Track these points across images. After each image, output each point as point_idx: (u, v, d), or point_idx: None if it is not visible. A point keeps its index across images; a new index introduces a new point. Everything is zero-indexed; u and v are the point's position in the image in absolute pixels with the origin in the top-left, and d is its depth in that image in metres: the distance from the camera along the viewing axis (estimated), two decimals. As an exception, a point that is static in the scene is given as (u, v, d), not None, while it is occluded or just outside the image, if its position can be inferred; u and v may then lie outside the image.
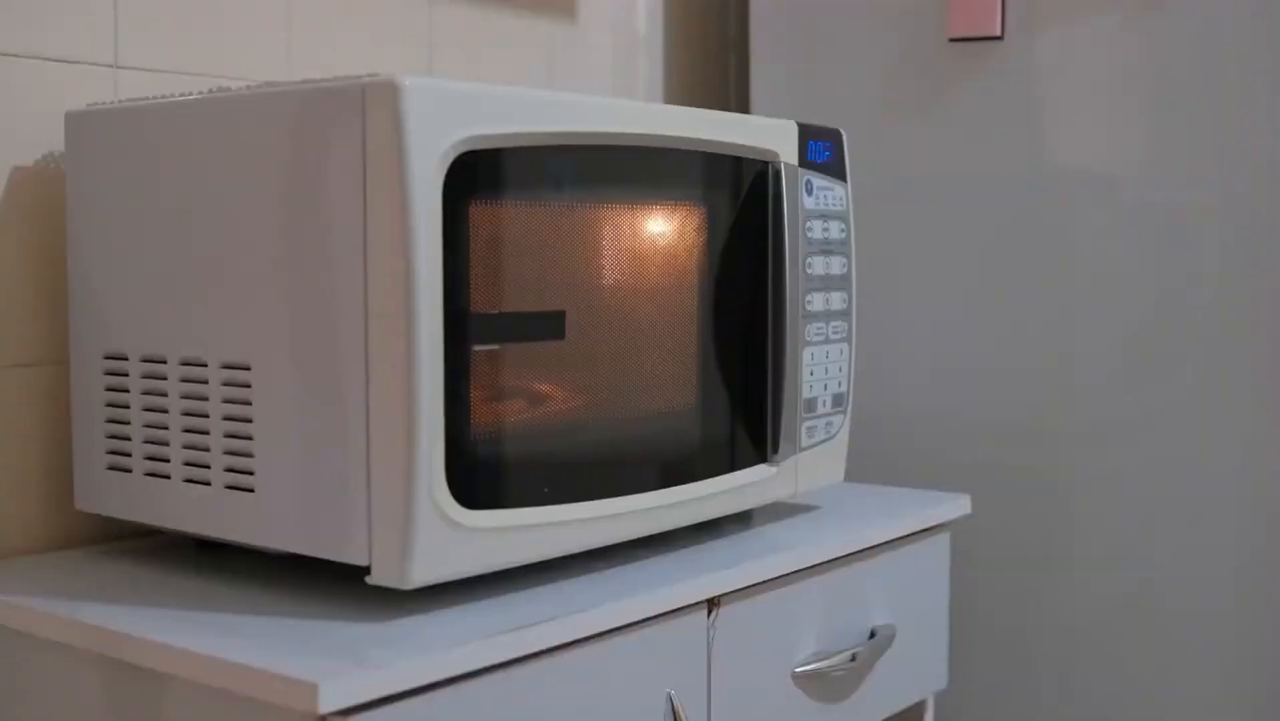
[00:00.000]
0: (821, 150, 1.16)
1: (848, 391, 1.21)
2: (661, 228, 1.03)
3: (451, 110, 0.86)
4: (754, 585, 1.05)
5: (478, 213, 0.88)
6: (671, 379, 1.05)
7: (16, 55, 1.08)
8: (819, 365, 1.16)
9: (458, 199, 0.86)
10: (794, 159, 1.13)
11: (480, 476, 0.90)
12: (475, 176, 0.88)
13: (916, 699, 1.29)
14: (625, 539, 1.01)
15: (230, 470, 0.94)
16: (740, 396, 1.11)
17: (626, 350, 1.01)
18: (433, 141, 0.85)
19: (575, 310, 0.97)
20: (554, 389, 0.96)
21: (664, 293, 1.04)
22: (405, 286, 0.84)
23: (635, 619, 0.94)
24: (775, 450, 1.13)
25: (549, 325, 0.95)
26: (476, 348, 0.88)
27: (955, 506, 1.30)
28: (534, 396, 0.94)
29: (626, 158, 1.00)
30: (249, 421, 0.93)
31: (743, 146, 1.09)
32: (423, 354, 0.84)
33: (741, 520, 1.17)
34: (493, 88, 0.91)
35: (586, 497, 0.97)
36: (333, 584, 0.93)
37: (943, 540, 1.30)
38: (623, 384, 1.01)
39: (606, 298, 0.99)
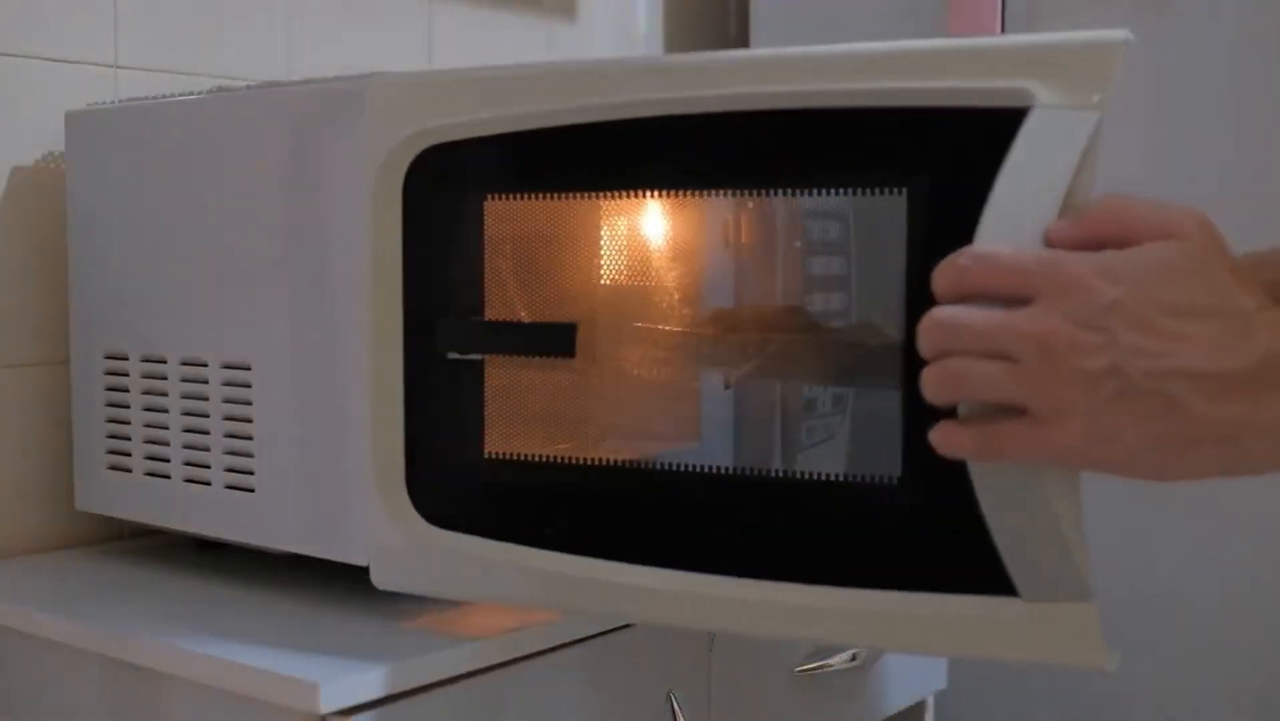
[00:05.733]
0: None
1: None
2: (751, 217, 0.81)
3: (455, 104, 0.81)
4: (754, 585, 1.05)
5: (480, 210, 0.85)
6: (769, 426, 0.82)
7: (16, 55, 1.08)
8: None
9: (443, 195, 0.82)
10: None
11: (463, 496, 0.83)
12: (463, 170, 0.82)
13: (916, 699, 1.28)
14: (621, 619, 0.90)
15: (230, 470, 0.94)
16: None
17: (656, 375, 0.83)
18: (411, 135, 0.80)
19: (595, 324, 0.83)
20: (564, 414, 0.85)
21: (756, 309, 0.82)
22: (384, 287, 0.82)
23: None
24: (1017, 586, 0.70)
25: (562, 339, 0.81)
26: (481, 356, 0.83)
27: (955, 506, 1.30)
28: (541, 419, 0.85)
29: (665, 131, 0.76)
30: (249, 421, 0.92)
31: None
32: (400, 359, 0.82)
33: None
34: (500, 69, 0.81)
35: (588, 554, 0.78)
36: (333, 584, 0.93)
37: (943, 540, 1.30)
38: (655, 416, 0.83)
39: (632, 306, 0.84)
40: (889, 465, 0.72)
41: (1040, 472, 0.67)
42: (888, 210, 0.71)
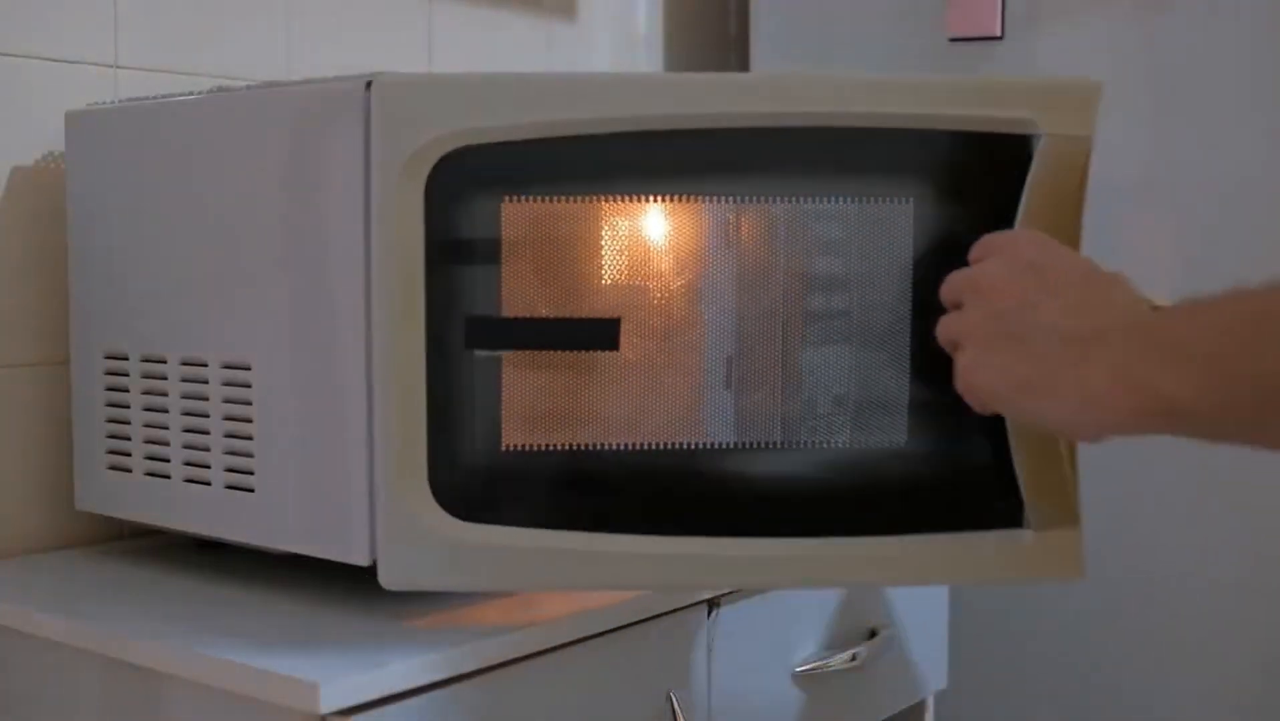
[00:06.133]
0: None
1: (848, 391, 1.21)
2: (776, 220, 0.88)
3: (454, 105, 0.83)
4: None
5: (483, 211, 0.87)
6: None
7: (16, 55, 1.08)
8: (820, 367, 1.15)
9: (462, 197, 0.84)
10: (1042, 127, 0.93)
11: (472, 489, 0.85)
12: (480, 172, 0.84)
13: (916, 699, 1.28)
14: (644, 587, 0.93)
15: (230, 470, 0.94)
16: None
17: (673, 367, 0.89)
18: (433, 139, 0.83)
19: (594, 319, 0.87)
20: (569, 405, 0.88)
21: (750, 305, 0.88)
22: (405, 287, 0.83)
23: (635, 618, 0.94)
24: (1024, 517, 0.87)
25: (564, 334, 0.86)
26: (483, 353, 0.85)
27: (955, 506, 1.30)
28: (545, 411, 0.87)
29: (645, 145, 0.85)
30: (249, 421, 0.92)
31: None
32: (423, 357, 0.83)
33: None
34: (497, 76, 0.85)
35: (596, 529, 0.85)
36: (333, 584, 0.93)
37: (943, 540, 1.30)
38: (663, 405, 0.88)
39: (647, 304, 0.88)
40: (897, 433, 0.87)
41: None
42: (898, 215, 0.86)
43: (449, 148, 0.83)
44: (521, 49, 1.51)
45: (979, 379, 0.74)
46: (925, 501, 0.88)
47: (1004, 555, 0.87)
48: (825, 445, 0.87)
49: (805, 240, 0.86)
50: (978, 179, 0.85)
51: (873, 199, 0.85)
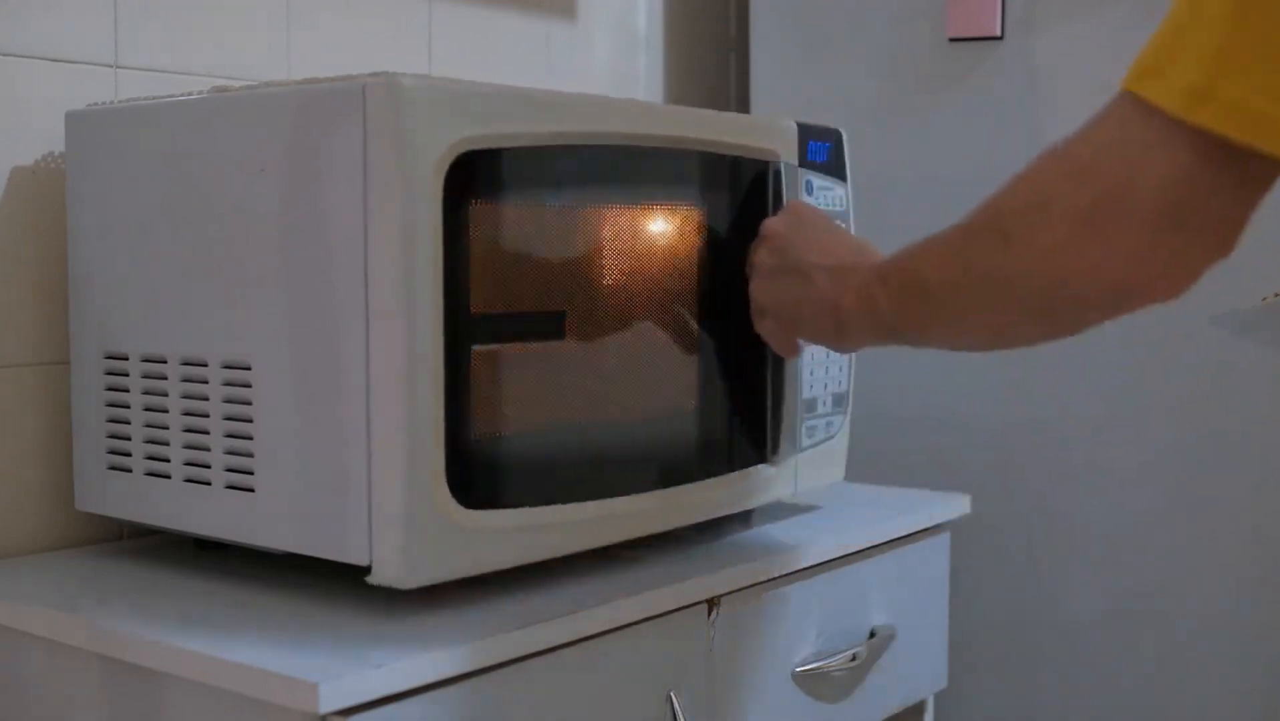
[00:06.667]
0: (821, 150, 1.16)
1: (848, 391, 1.21)
2: (662, 228, 1.03)
3: (451, 109, 0.86)
4: (754, 585, 1.05)
5: (478, 212, 0.88)
6: (672, 380, 1.05)
7: (16, 55, 1.08)
8: (819, 365, 1.16)
9: (457, 198, 0.86)
10: (794, 159, 1.13)
11: (480, 476, 0.89)
12: (475, 176, 0.87)
13: (916, 699, 1.29)
14: (626, 539, 1.01)
15: (230, 470, 0.94)
16: (740, 396, 1.10)
17: (627, 351, 1.01)
18: (432, 141, 0.85)
19: (575, 311, 0.96)
20: (554, 389, 0.95)
21: (664, 293, 1.03)
22: (404, 286, 0.84)
23: (635, 618, 0.94)
24: (775, 450, 1.13)
25: (549, 325, 0.95)
26: (476, 348, 0.88)
27: (955, 506, 1.30)
28: (534, 397, 0.94)
29: (627, 157, 1.00)
30: (249, 421, 0.93)
31: (743, 146, 1.08)
32: (422, 354, 0.84)
33: (742, 520, 1.17)
34: (493, 86, 0.91)
35: (587, 498, 0.97)
36: (333, 584, 0.93)
37: (943, 540, 1.30)
38: (623, 384, 1.01)
39: (606, 298, 0.99)
40: (688, 399, 1.07)
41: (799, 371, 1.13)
42: (692, 217, 1.06)
43: (460, 151, 0.85)
44: (521, 48, 1.51)
45: (761, 299, 1.02)
46: (713, 450, 1.09)
47: (760, 484, 1.12)
48: (656, 415, 1.05)
49: (650, 242, 1.03)
50: (743, 191, 1.09)
51: (674, 205, 1.05)
